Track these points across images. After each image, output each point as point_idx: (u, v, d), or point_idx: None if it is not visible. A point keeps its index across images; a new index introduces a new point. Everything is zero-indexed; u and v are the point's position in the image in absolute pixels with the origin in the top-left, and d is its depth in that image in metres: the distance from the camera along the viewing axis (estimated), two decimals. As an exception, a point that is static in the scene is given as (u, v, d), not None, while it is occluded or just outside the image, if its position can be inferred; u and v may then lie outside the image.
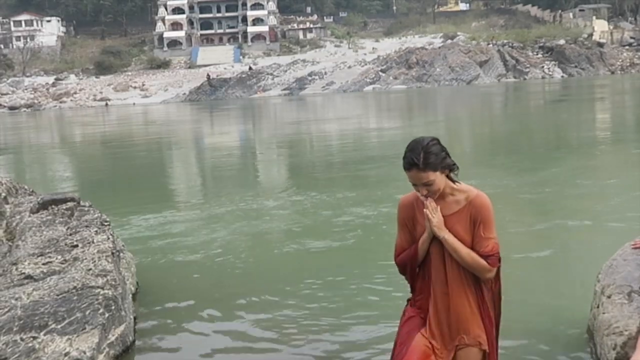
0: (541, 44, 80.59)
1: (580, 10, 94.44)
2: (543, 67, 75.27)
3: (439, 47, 77.94)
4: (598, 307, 4.22)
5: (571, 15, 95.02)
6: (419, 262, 3.39)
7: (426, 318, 3.37)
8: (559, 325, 4.91)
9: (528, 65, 74.90)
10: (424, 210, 3.25)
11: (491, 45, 79.01)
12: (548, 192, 10.08)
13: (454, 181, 3.28)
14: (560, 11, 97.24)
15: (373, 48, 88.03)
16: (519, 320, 5.08)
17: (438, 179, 3.17)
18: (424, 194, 3.19)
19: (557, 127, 22.70)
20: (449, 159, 3.22)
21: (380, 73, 72.65)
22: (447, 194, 3.27)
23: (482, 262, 3.20)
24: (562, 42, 79.99)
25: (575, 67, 74.64)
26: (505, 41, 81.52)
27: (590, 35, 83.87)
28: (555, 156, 14.44)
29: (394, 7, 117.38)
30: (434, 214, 3.22)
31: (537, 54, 78.80)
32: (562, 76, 72.52)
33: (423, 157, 3.12)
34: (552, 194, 10.00)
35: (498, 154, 15.80)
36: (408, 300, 3.55)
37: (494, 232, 3.25)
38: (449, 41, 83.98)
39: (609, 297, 4.13)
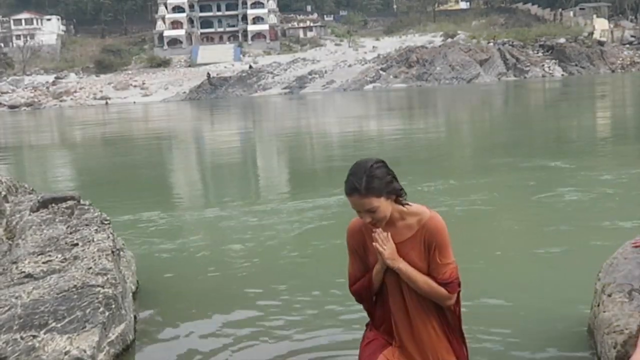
0: (541, 43, 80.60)
1: (580, 8, 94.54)
2: (543, 65, 75.24)
3: (439, 46, 77.94)
4: (598, 305, 4.22)
5: (571, 13, 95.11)
6: (374, 292, 3.22)
7: (389, 341, 3.21)
8: (559, 323, 4.91)
9: (528, 64, 74.88)
10: (374, 244, 3.02)
11: (491, 44, 79.01)
12: (548, 191, 10.07)
13: (403, 204, 3.04)
14: (560, 10, 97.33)
15: (373, 47, 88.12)
16: (518, 318, 5.08)
17: (383, 205, 2.92)
18: (368, 221, 2.95)
19: (558, 125, 22.69)
20: (395, 184, 2.97)
21: (381, 72, 72.65)
22: (397, 218, 3.05)
23: (441, 290, 3.03)
24: (562, 40, 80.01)
25: (576, 65, 74.61)
26: (505, 40, 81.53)
27: (591, 33, 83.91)
28: (556, 154, 14.42)
29: (394, 6, 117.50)
30: (385, 245, 3.00)
31: (537, 53, 78.79)
32: (563, 75, 72.51)
33: (365, 181, 2.87)
34: (553, 192, 9.98)
35: (500, 152, 15.78)
36: (367, 324, 3.40)
37: (451, 256, 3.08)
38: (449, 40, 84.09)
39: (609, 295, 4.12)
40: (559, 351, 4.50)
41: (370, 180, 2.87)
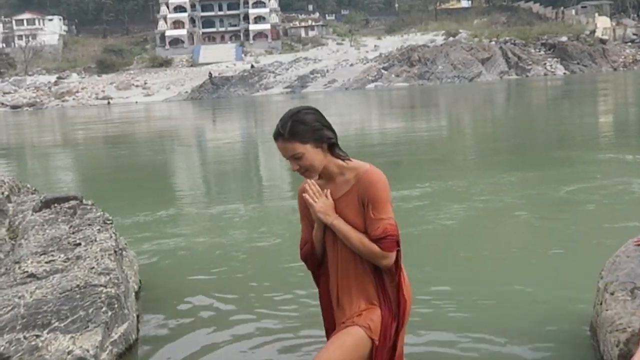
0: (543, 41, 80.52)
1: (582, 7, 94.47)
2: (545, 64, 75.17)
3: (441, 45, 77.89)
4: (601, 303, 4.21)
5: (573, 12, 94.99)
6: (318, 256, 3.07)
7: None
8: (562, 321, 4.91)
9: (530, 63, 74.82)
10: (304, 194, 2.91)
11: (493, 42, 78.95)
12: (551, 189, 10.07)
13: (343, 159, 2.90)
14: (562, 8, 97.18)
15: (375, 46, 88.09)
16: (520, 316, 5.08)
17: (309, 152, 2.80)
18: (295, 169, 2.84)
19: (562, 124, 22.66)
20: (325, 132, 2.84)
21: (382, 71, 72.63)
22: (336, 173, 2.90)
23: (374, 247, 2.81)
24: (564, 39, 79.93)
25: (578, 64, 74.53)
26: (507, 38, 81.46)
27: (593, 32, 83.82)
28: (560, 154, 14.43)
29: (396, 5, 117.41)
30: (317, 198, 2.88)
31: (539, 51, 78.70)
32: (565, 73, 72.43)
33: (290, 125, 2.78)
34: (555, 190, 9.98)
35: (504, 150, 15.78)
36: None
37: (386, 212, 2.83)
38: (451, 38, 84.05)
39: (612, 293, 4.12)
40: (561, 349, 4.49)
41: (295, 124, 2.79)
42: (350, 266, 2.92)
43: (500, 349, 4.57)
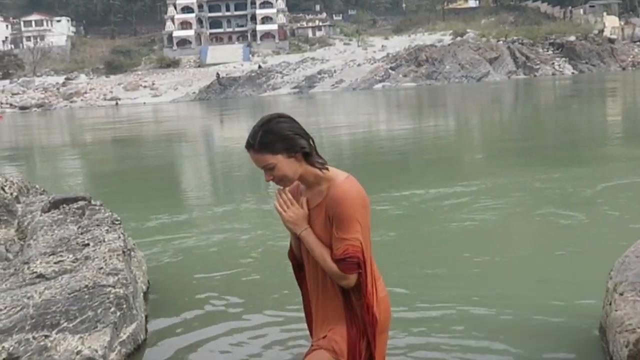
0: (551, 41, 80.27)
1: (590, 6, 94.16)
2: (553, 63, 74.93)
3: (449, 45, 77.75)
4: (610, 304, 4.20)
5: (581, 11, 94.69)
6: (298, 259, 3.01)
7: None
8: (571, 322, 4.89)
9: (538, 62, 74.59)
10: (274, 203, 2.84)
11: (501, 42, 78.75)
12: (561, 190, 10.04)
13: (320, 168, 2.73)
14: (570, 7, 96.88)
15: (382, 46, 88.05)
16: (529, 316, 5.07)
17: (281, 163, 2.67)
18: (269, 179, 2.73)
19: (572, 125, 22.57)
20: (298, 140, 2.68)
21: (390, 71, 72.55)
22: (313, 183, 2.76)
23: (333, 266, 2.68)
24: (572, 38, 79.67)
25: (586, 63, 74.26)
26: (515, 38, 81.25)
27: (601, 31, 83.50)
28: (571, 154, 14.36)
29: (403, 5, 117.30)
30: (288, 207, 2.79)
31: (547, 51, 78.45)
32: (573, 73, 72.19)
33: (260, 136, 2.66)
34: (565, 191, 9.95)
35: (516, 151, 15.70)
36: None
37: (350, 232, 2.66)
38: (459, 38, 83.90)
39: (621, 294, 4.10)
40: (570, 350, 4.48)
41: (265, 135, 2.66)
42: (320, 279, 2.83)
43: (508, 349, 4.56)
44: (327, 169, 2.74)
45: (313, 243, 2.74)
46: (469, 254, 6.90)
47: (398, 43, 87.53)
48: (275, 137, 2.65)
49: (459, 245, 7.35)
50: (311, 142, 2.74)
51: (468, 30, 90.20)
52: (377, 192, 9.95)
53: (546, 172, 11.59)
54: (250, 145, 2.71)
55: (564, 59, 75.68)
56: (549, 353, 4.47)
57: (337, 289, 2.77)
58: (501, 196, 9.73)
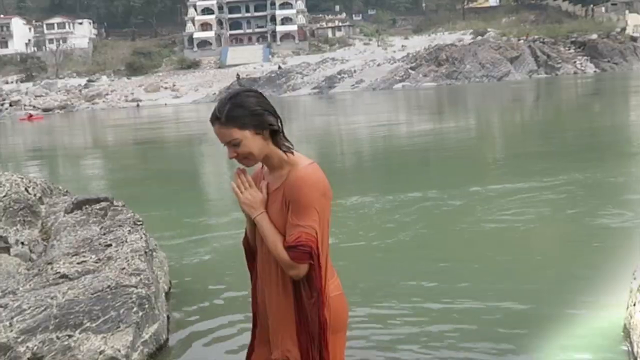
0: (573, 39, 79.50)
1: (612, 4, 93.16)
2: (575, 62, 74.25)
3: (469, 44, 77.27)
4: (634, 305, 4.15)
5: (603, 9, 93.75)
6: (252, 246, 2.86)
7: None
8: (594, 323, 4.85)
9: (560, 61, 73.93)
10: (231, 183, 2.69)
11: (522, 41, 78.18)
12: (585, 191, 9.95)
13: (285, 151, 2.61)
14: (592, 5, 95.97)
15: (402, 46, 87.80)
16: (553, 316, 5.03)
17: (248, 139, 2.54)
18: (232, 156, 2.60)
19: (602, 125, 22.28)
20: (267, 117, 2.55)
21: (410, 71, 72.30)
22: (277, 166, 2.63)
23: (284, 254, 2.52)
24: (594, 36, 78.88)
25: (608, 61, 73.50)
26: (536, 37, 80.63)
27: (623, 29, 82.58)
28: (596, 156, 14.17)
29: (423, 4, 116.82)
30: (244, 189, 2.65)
31: (569, 49, 77.72)
32: (595, 71, 71.46)
33: (228, 109, 2.52)
34: (589, 192, 9.86)
35: (542, 152, 15.52)
36: None
37: (306, 219, 2.51)
38: (479, 37, 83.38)
39: (645, 295, 4.06)
40: (594, 351, 4.44)
41: (233, 108, 2.52)
42: (273, 271, 2.67)
43: (531, 349, 4.52)
44: (292, 153, 2.62)
45: (267, 228, 2.59)
46: (501, 251, 6.99)
47: (418, 43, 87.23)
48: (244, 112, 2.52)
49: (487, 243, 7.45)
50: (279, 122, 2.61)
51: (488, 29, 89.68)
52: (420, 190, 9.90)
53: (580, 172, 11.44)
54: (216, 118, 2.56)
55: (585, 57, 74.95)
56: (572, 354, 4.43)
57: (289, 286, 2.61)
58: (531, 197, 9.64)
